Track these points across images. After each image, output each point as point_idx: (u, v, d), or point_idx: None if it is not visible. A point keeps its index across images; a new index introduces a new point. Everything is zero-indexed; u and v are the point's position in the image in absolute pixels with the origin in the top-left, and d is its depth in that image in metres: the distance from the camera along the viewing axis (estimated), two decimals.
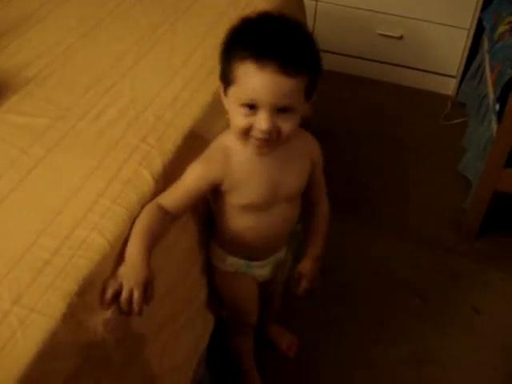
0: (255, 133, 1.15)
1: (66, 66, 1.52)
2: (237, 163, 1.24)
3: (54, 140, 1.25)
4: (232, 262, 1.41)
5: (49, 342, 0.89)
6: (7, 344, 0.87)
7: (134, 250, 1.09)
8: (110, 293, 1.04)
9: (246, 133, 1.16)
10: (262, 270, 1.46)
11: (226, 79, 1.17)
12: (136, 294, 1.06)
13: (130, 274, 1.07)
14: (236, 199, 1.27)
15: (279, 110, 1.13)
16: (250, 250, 1.40)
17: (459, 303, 2.03)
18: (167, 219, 1.18)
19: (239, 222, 1.31)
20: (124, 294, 1.05)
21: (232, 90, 1.16)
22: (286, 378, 1.77)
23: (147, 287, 1.08)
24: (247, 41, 1.13)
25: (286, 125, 1.15)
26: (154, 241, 1.13)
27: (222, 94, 1.22)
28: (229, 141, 1.24)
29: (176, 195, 1.20)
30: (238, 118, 1.15)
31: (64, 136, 1.27)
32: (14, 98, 1.38)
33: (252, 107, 1.13)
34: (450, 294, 2.06)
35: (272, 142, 1.17)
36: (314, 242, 1.51)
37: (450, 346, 1.89)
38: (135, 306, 1.06)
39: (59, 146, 1.24)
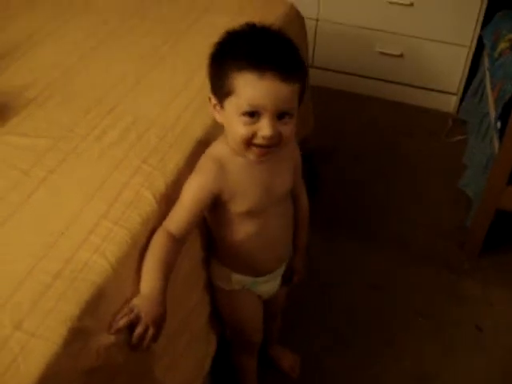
0: (258, 140, 1.16)
1: (67, 87, 1.52)
2: (232, 171, 1.24)
3: (55, 161, 1.25)
4: (238, 280, 1.40)
5: (50, 368, 0.88)
6: (8, 370, 0.86)
7: (152, 285, 1.09)
8: (124, 322, 1.03)
9: (248, 142, 1.17)
10: (267, 285, 1.45)
11: (222, 92, 1.18)
12: (151, 332, 1.06)
13: (147, 309, 1.06)
14: (237, 207, 1.27)
15: (279, 116, 1.15)
16: (256, 263, 1.39)
17: (462, 321, 2.02)
18: (178, 245, 1.18)
19: (242, 231, 1.31)
20: (139, 330, 1.05)
21: (230, 101, 1.17)
22: None
23: (161, 325, 1.08)
24: (241, 51, 1.15)
25: (287, 129, 1.17)
26: (169, 273, 1.13)
27: (214, 108, 1.23)
28: (219, 151, 1.25)
29: (180, 216, 1.19)
30: (239, 127, 1.16)
31: (65, 157, 1.26)
32: (14, 119, 1.38)
33: (252, 115, 1.14)
34: (452, 312, 2.05)
35: (273, 148, 1.18)
36: (300, 235, 1.52)
37: (453, 364, 1.87)
38: (146, 343, 1.06)
39: (60, 168, 1.24)
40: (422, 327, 1.99)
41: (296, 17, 2.17)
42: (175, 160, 1.28)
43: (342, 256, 2.22)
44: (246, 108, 1.14)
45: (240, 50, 1.15)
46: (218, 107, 1.22)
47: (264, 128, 1.14)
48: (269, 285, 1.46)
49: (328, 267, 2.17)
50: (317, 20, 3.10)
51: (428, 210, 2.49)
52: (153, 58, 1.66)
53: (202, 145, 1.32)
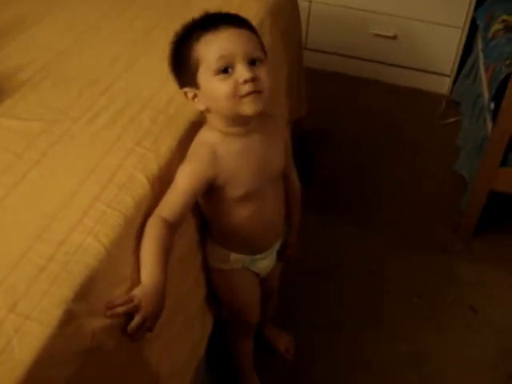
0: (242, 89, 1.16)
1: (60, 70, 1.51)
2: (224, 156, 1.24)
3: (48, 144, 1.24)
4: (236, 259, 1.40)
5: (45, 350, 0.88)
6: (3, 352, 0.85)
7: (153, 276, 1.09)
8: (121, 310, 1.03)
9: (235, 95, 1.17)
10: (265, 261, 1.46)
11: (190, 70, 1.20)
12: (147, 325, 1.06)
13: (147, 301, 1.06)
14: (232, 191, 1.27)
15: (251, 64, 1.17)
16: (253, 242, 1.39)
17: (456, 302, 2.03)
18: (173, 232, 1.18)
19: (238, 214, 1.31)
20: (137, 321, 1.05)
21: (201, 71, 1.19)
22: (283, 379, 1.77)
23: (158, 317, 1.09)
24: (192, 28, 1.21)
25: (262, 72, 1.18)
26: (167, 260, 1.13)
27: (193, 100, 1.24)
28: (210, 136, 1.26)
29: (174, 203, 1.19)
30: (219, 86, 1.17)
31: (58, 140, 1.26)
32: (7, 102, 1.36)
33: (226, 71, 1.16)
34: (446, 293, 2.06)
35: (260, 92, 1.18)
36: (293, 213, 1.54)
37: (448, 345, 1.89)
38: (141, 333, 1.07)
39: (54, 150, 1.23)
40: (416, 308, 2.00)
41: None
42: (168, 142, 1.28)
43: (336, 239, 2.23)
44: (216, 64, 1.16)
45: (191, 28, 1.21)
46: (196, 97, 1.23)
47: (241, 73, 1.16)
48: (266, 261, 1.46)
49: (323, 250, 2.17)
50: (310, 1, 3.09)
51: (422, 192, 2.49)
52: (145, 41, 1.65)
53: (195, 127, 1.32)
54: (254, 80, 1.16)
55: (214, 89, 1.18)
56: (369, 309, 1.99)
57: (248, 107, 1.19)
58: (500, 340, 1.92)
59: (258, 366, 1.71)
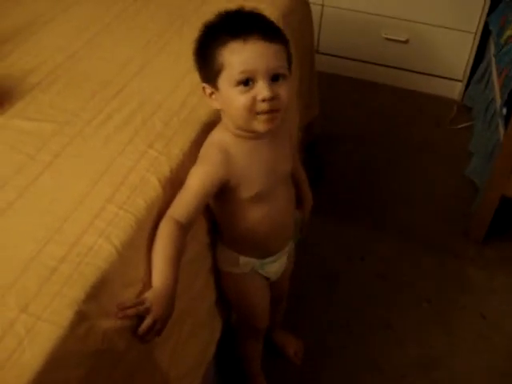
0: (259, 106, 1.16)
1: (72, 72, 1.51)
2: (237, 157, 1.24)
3: (60, 145, 1.24)
4: (246, 262, 1.40)
5: (56, 351, 0.88)
6: (14, 353, 0.86)
7: (164, 279, 1.10)
8: (132, 312, 1.03)
9: (251, 111, 1.17)
10: (275, 265, 1.45)
11: (213, 72, 1.19)
12: (158, 327, 1.07)
13: (158, 305, 1.07)
14: (245, 192, 1.27)
15: (273, 80, 1.16)
16: (263, 245, 1.39)
17: (466, 308, 2.02)
18: (185, 233, 1.18)
19: (249, 215, 1.31)
20: (148, 323, 1.05)
21: (223, 77, 1.18)
22: (292, 383, 1.76)
23: (168, 320, 1.09)
24: (221, 29, 1.19)
25: (283, 91, 1.18)
26: (179, 262, 1.14)
27: (210, 97, 1.24)
28: (222, 136, 1.25)
29: (186, 205, 1.19)
30: (237, 98, 1.16)
31: (71, 141, 1.26)
32: (19, 103, 1.37)
33: (247, 83, 1.15)
34: (457, 299, 2.05)
35: (276, 111, 1.18)
36: (306, 197, 1.55)
37: (458, 351, 1.88)
38: (150, 336, 1.07)
39: (66, 152, 1.23)
40: (426, 314, 1.99)
41: (301, 2, 2.15)
42: (180, 145, 1.28)
43: (346, 242, 2.22)
44: (238, 76, 1.15)
45: (220, 29, 1.19)
46: (214, 95, 1.23)
47: (261, 90, 1.15)
48: (276, 264, 1.46)
49: (333, 254, 2.17)
50: (322, 5, 3.08)
51: (433, 197, 2.48)
52: (158, 43, 1.66)
53: (207, 129, 1.32)
54: (272, 99, 1.15)
55: (232, 99, 1.17)
56: (379, 313, 1.98)
57: (261, 125, 1.19)
58: (510, 346, 1.91)
59: (266, 370, 1.71)
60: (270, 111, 1.17)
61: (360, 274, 2.11)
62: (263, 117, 1.18)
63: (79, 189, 1.14)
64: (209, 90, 1.23)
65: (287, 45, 1.23)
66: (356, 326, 1.93)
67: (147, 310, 1.05)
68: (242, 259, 1.39)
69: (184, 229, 1.17)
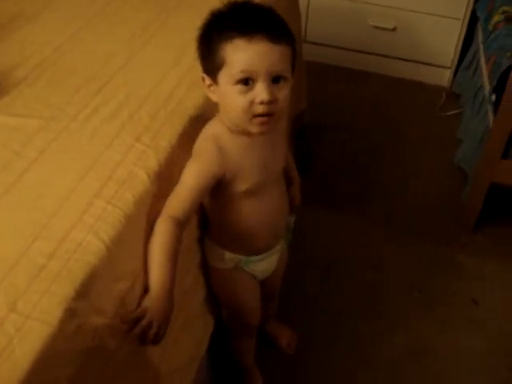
0: (257, 109, 1.15)
1: (57, 66, 1.49)
2: (231, 151, 1.23)
3: (46, 141, 1.23)
4: (231, 258, 1.39)
5: (46, 350, 0.87)
6: (3, 352, 0.85)
7: (161, 281, 1.10)
8: (139, 330, 1.06)
9: (247, 112, 1.15)
10: (262, 264, 1.44)
11: (214, 66, 1.17)
12: (162, 331, 1.08)
13: (155, 307, 1.08)
14: (237, 187, 1.26)
15: (273, 81, 1.15)
16: (249, 241, 1.38)
17: (457, 295, 2.03)
18: (182, 230, 1.17)
19: (238, 209, 1.30)
20: (143, 324, 1.06)
21: (223, 73, 1.16)
22: (285, 374, 1.77)
23: (167, 324, 1.10)
24: (227, 23, 1.16)
25: (282, 94, 1.17)
26: (175, 263, 1.13)
27: (209, 88, 1.22)
28: (216, 130, 1.24)
29: (182, 200, 1.18)
30: (235, 97, 1.15)
31: (57, 136, 1.25)
32: (4, 99, 1.35)
33: (247, 82, 1.14)
34: (448, 286, 2.06)
35: (273, 114, 1.17)
36: (294, 179, 1.54)
37: (450, 338, 1.89)
38: (149, 340, 1.07)
39: (52, 147, 1.22)
40: (418, 302, 2.00)
41: None
42: (168, 137, 1.27)
43: (336, 232, 2.22)
44: (239, 75, 1.13)
45: (226, 22, 1.16)
46: (212, 87, 1.21)
47: (260, 93, 1.13)
48: (264, 263, 1.45)
49: (323, 244, 2.17)
50: None
51: (423, 185, 2.49)
52: (143, 35, 1.64)
53: (195, 122, 1.31)
54: (270, 102, 1.14)
55: (231, 97, 1.16)
56: (370, 302, 1.98)
57: (256, 128, 1.18)
58: (502, 333, 1.92)
59: (259, 361, 1.71)
60: (266, 114, 1.16)
61: (350, 263, 2.11)
62: (258, 120, 1.16)
63: (66, 184, 1.13)
64: (208, 81, 1.22)
65: (293, 44, 1.21)
66: (347, 315, 1.93)
67: (143, 313, 1.06)
68: (228, 255, 1.38)
69: (181, 225, 1.17)
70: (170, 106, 1.36)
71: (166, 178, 1.20)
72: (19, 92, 1.38)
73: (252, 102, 1.14)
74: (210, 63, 1.18)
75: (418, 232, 2.25)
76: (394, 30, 3.06)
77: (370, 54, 3.17)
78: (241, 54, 1.13)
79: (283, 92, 1.16)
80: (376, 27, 3.07)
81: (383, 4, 3.01)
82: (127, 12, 1.77)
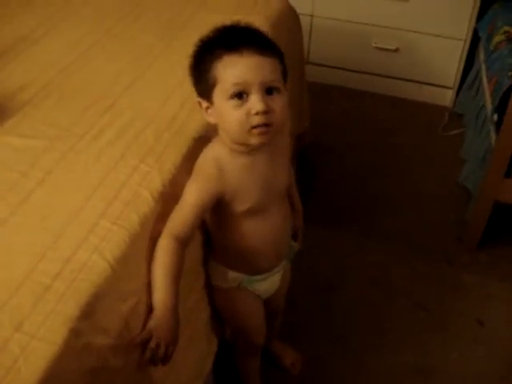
0: (254, 121, 1.15)
1: (63, 87, 1.51)
2: (231, 172, 1.24)
3: (52, 162, 1.24)
4: (234, 277, 1.39)
5: (52, 369, 0.88)
6: (9, 372, 0.85)
7: (164, 300, 1.12)
8: (149, 355, 1.07)
9: (245, 125, 1.16)
10: (265, 283, 1.44)
11: (208, 86, 1.19)
12: (171, 350, 1.10)
13: (160, 328, 1.09)
14: (238, 206, 1.27)
15: (267, 93, 1.16)
16: (253, 261, 1.38)
17: (462, 314, 2.02)
18: (184, 248, 1.19)
19: (242, 229, 1.31)
20: (150, 347, 1.07)
21: (217, 91, 1.18)
22: None
23: (175, 342, 1.12)
24: (216, 43, 1.19)
25: (277, 104, 1.17)
26: (178, 281, 1.15)
27: (206, 111, 1.24)
28: (217, 151, 1.25)
29: (184, 220, 1.20)
30: (231, 112, 1.16)
31: (63, 157, 1.26)
32: (11, 120, 1.37)
33: (241, 96, 1.15)
34: (452, 306, 2.05)
35: (271, 125, 1.17)
36: (297, 206, 1.54)
37: (454, 357, 1.88)
38: (159, 360, 1.09)
39: (58, 168, 1.23)
40: (422, 321, 1.99)
41: (291, 13, 2.16)
42: (172, 159, 1.28)
43: (340, 251, 2.22)
44: (232, 89, 1.15)
45: (215, 43, 1.19)
46: (209, 109, 1.23)
47: (254, 104, 1.14)
48: (267, 283, 1.45)
49: (327, 262, 2.17)
50: (311, 16, 3.10)
51: (426, 204, 2.49)
52: (148, 57, 1.66)
53: (199, 143, 1.32)
54: (266, 112, 1.15)
55: (226, 113, 1.17)
56: (374, 321, 1.98)
57: (255, 139, 1.19)
58: (507, 352, 1.91)
59: (264, 381, 1.70)
60: (264, 125, 1.16)
61: (354, 282, 2.11)
62: (257, 130, 1.17)
63: (72, 205, 1.14)
64: (204, 104, 1.23)
65: (282, 58, 1.23)
66: (351, 334, 1.93)
67: (149, 335, 1.08)
68: (231, 274, 1.39)
69: (183, 244, 1.18)
70: (174, 127, 1.38)
71: (170, 199, 1.21)
72: (26, 113, 1.40)
73: (248, 114, 1.15)
74: (204, 84, 1.20)
75: (421, 250, 2.25)
76: (396, 50, 3.08)
77: (372, 74, 3.19)
78: (232, 69, 1.15)
79: (278, 103, 1.17)
80: (379, 48, 3.10)
81: (386, 25, 3.03)
82: (133, 34, 1.79)
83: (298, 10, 2.24)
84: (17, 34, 1.74)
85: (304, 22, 2.38)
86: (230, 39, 1.18)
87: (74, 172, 1.23)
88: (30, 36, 1.74)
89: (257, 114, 1.15)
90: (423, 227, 2.37)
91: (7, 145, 1.29)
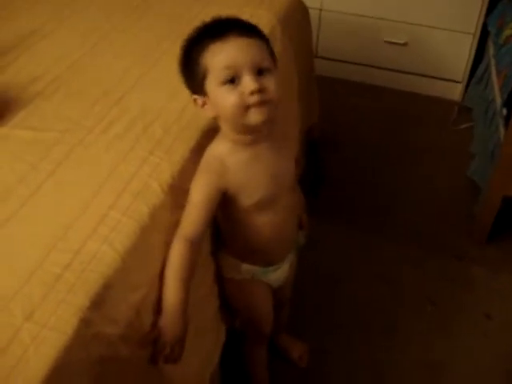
0: (249, 100, 1.16)
1: (73, 80, 1.52)
2: (234, 166, 1.24)
3: (62, 154, 1.25)
4: (248, 269, 1.40)
5: (61, 359, 0.88)
6: (19, 361, 0.86)
7: (173, 304, 1.14)
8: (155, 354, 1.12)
9: (241, 107, 1.16)
10: (277, 273, 1.46)
11: (199, 78, 1.20)
12: (177, 352, 1.14)
13: (167, 329, 1.13)
14: (246, 200, 1.27)
15: (258, 73, 1.17)
16: (266, 253, 1.39)
17: (470, 309, 2.02)
18: (198, 249, 1.21)
19: (253, 222, 1.31)
20: (158, 348, 1.11)
21: (209, 80, 1.18)
22: None
23: (182, 344, 1.16)
24: (201, 35, 1.20)
25: (270, 83, 1.17)
26: (189, 285, 1.18)
27: (203, 107, 1.24)
28: (219, 149, 1.26)
29: (193, 219, 1.21)
30: (226, 97, 1.16)
31: (73, 150, 1.27)
32: (21, 113, 1.38)
33: (233, 81, 1.16)
34: (460, 300, 2.05)
35: (266, 102, 1.17)
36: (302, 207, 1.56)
37: (464, 353, 1.87)
38: (167, 360, 1.14)
39: (68, 160, 1.24)
40: (431, 315, 1.99)
41: (299, 7, 2.17)
42: (181, 151, 1.29)
43: (349, 246, 2.22)
44: (223, 73, 1.15)
45: (200, 36, 1.20)
46: (205, 105, 1.23)
47: (248, 84, 1.15)
48: (278, 272, 1.46)
49: (335, 258, 2.17)
50: (320, 10, 3.10)
51: (435, 199, 2.49)
52: (156, 52, 1.67)
53: (207, 135, 1.32)
54: (260, 91, 1.15)
55: (221, 99, 1.18)
56: (383, 316, 1.98)
57: (254, 117, 1.18)
58: None
59: (271, 374, 1.71)
60: (261, 103, 1.17)
61: (363, 277, 2.11)
62: (254, 109, 1.17)
63: (82, 196, 1.15)
64: (200, 100, 1.24)
65: (268, 42, 1.24)
66: (359, 329, 1.93)
67: (158, 333, 1.11)
68: (244, 266, 1.40)
69: (196, 245, 1.20)
70: (183, 120, 1.38)
71: (179, 191, 1.22)
72: (36, 106, 1.41)
73: (243, 95, 1.15)
74: (196, 79, 1.21)
75: (430, 245, 2.25)
76: (405, 44, 3.08)
77: (381, 68, 3.18)
78: (220, 55, 1.16)
79: (270, 81, 1.18)
80: (388, 42, 3.09)
81: (395, 19, 3.03)
82: (142, 28, 1.80)
83: (307, 4, 2.25)
84: (26, 28, 1.75)
85: (313, 15, 2.38)
86: (214, 29, 1.19)
87: (84, 164, 1.24)
88: (40, 31, 1.75)
89: (251, 93, 1.15)
90: (432, 221, 2.37)
91: (18, 137, 1.30)
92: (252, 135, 1.24)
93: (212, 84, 1.18)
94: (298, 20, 2.11)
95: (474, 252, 2.23)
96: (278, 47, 1.74)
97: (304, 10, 2.22)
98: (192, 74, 1.22)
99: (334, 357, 1.84)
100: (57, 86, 1.49)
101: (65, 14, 1.86)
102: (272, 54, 1.24)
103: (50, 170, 1.21)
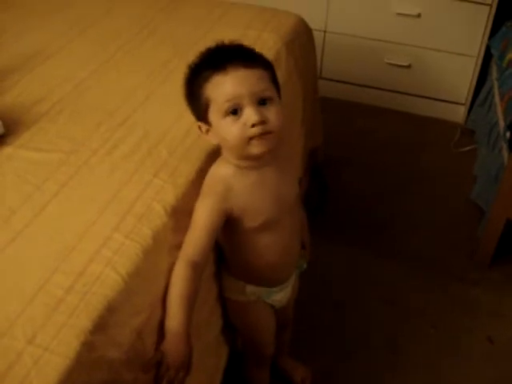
0: (250, 132, 1.17)
1: (78, 101, 1.53)
2: (238, 189, 1.24)
3: (67, 175, 1.26)
4: (252, 291, 1.40)
5: (64, 382, 0.88)
6: None
7: (176, 328, 1.13)
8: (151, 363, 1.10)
9: (243, 137, 1.17)
10: (281, 294, 1.45)
11: (202, 109, 1.21)
12: (181, 375, 1.13)
13: (170, 353, 1.12)
14: (250, 222, 1.27)
15: (260, 104, 1.17)
16: (270, 274, 1.39)
17: (473, 331, 2.01)
18: (201, 271, 1.20)
19: (256, 244, 1.31)
20: (161, 371, 1.11)
21: (212, 111, 1.20)
22: None
23: (188, 366, 1.15)
24: (203, 66, 1.21)
25: (271, 113, 1.18)
26: (194, 304, 1.17)
27: (207, 134, 1.25)
28: (223, 170, 1.26)
29: (196, 241, 1.20)
30: (228, 128, 1.18)
31: (77, 171, 1.27)
32: (26, 133, 1.39)
33: (235, 112, 1.17)
34: (463, 323, 2.03)
35: (268, 133, 1.18)
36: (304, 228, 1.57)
37: (465, 375, 1.86)
38: (180, 382, 1.14)
39: (73, 181, 1.25)
40: (434, 338, 1.98)
41: (304, 29, 2.18)
42: (185, 173, 1.29)
43: (351, 268, 2.22)
44: (225, 105, 1.17)
45: (201, 66, 1.22)
46: (209, 131, 1.24)
47: (249, 116, 1.16)
48: (282, 293, 1.46)
49: (338, 280, 2.16)
50: (324, 32, 3.11)
51: (438, 221, 2.48)
52: (162, 72, 1.68)
53: (212, 158, 1.33)
54: (261, 122, 1.16)
55: (223, 130, 1.19)
56: (386, 339, 1.97)
57: (256, 149, 1.19)
58: None
59: None
60: (262, 134, 1.17)
61: (366, 299, 2.10)
62: (256, 141, 1.18)
63: (86, 218, 1.15)
64: (204, 127, 1.25)
65: (271, 69, 1.25)
66: (363, 352, 1.92)
67: (161, 358, 1.10)
68: (249, 288, 1.39)
69: (199, 267, 1.20)
70: (188, 142, 1.39)
71: (183, 213, 1.22)
72: (41, 127, 1.42)
73: (245, 127, 1.16)
74: (199, 108, 1.22)
75: (432, 268, 2.24)
76: (408, 66, 3.09)
77: (384, 90, 3.19)
78: (220, 88, 1.17)
79: (273, 112, 1.19)
80: (391, 64, 3.10)
81: (398, 41, 3.04)
82: (148, 48, 1.81)
83: (312, 26, 2.26)
84: (32, 49, 1.76)
85: (317, 37, 2.39)
86: (215, 59, 1.20)
87: (88, 186, 1.24)
88: (45, 51, 1.76)
89: (253, 125, 1.16)
90: (435, 244, 2.36)
91: (22, 158, 1.30)
92: (254, 162, 1.24)
93: (214, 115, 1.19)
94: (302, 42, 2.12)
95: (476, 275, 2.22)
96: (283, 69, 1.75)
97: (309, 32, 2.23)
98: (195, 102, 1.23)
99: (336, 379, 1.82)
100: (61, 107, 1.50)
101: (69, 34, 1.87)
102: (275, 81, 1.25)
103: (55, 191, 1.21)
